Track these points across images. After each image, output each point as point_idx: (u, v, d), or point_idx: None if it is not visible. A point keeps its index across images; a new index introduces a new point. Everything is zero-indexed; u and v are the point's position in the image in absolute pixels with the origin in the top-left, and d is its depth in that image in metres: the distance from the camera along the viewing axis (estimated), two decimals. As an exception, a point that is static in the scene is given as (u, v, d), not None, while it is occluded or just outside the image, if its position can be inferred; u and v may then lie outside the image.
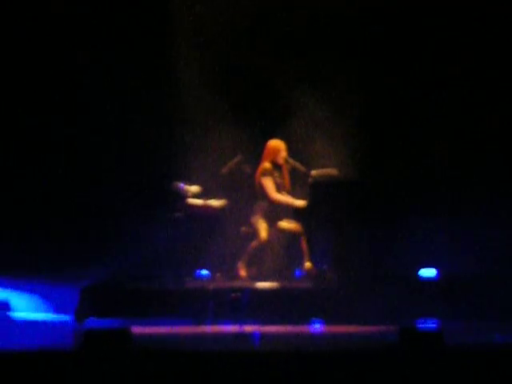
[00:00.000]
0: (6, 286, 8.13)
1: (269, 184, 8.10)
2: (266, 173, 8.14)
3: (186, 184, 8.15)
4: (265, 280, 7.71)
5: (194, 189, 8.19)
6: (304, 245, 8.02)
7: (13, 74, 8.55)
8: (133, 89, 8.58)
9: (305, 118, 8.61)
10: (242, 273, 7.99)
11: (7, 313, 7.98)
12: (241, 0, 8.61)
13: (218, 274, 8.12)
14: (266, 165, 8.17)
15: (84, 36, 8.58)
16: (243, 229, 8.15)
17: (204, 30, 8.70)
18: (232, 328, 6.84)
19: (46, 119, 8.55)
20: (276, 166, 8.22)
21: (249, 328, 6.76)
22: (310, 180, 7.90)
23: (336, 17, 8.69)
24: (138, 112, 8.58)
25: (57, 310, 7.97)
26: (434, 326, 6.99)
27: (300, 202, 7.94)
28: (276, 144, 8.26)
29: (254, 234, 8.07)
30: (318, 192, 7.72)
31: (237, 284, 7.59)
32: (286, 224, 8.11)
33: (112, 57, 8.60)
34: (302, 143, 8.60)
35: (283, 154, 8.22)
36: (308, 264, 7.94)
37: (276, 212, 8.10)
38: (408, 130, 8.66)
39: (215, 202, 8.19)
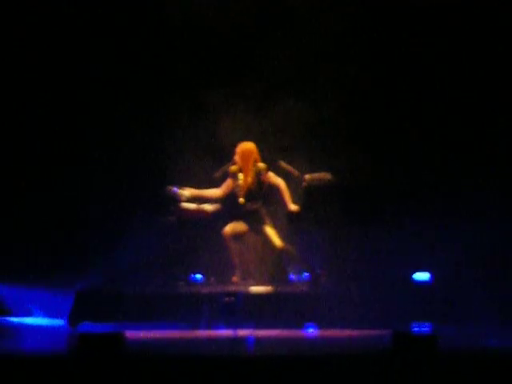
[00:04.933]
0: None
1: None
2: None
3: (179, 188, 8.14)
4: (259, 284, 7.71)
5: (188, 193, 8.18)
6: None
7: (12, 75, 8.56)
8: (125, 91, 8.58)
9: (297, 123, 8.61)
10: (235, 278, 7.97)
11: (1, 317, 7.98)
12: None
13: (212, 279, 8.11)
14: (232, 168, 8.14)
15: (77, 41, 8.59)
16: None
17: (200, 29, 8.72)
18: (226, 332, 6.85)
19: (45, 124, 8.56)
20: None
21: (243, 332, 6.76)
22: (303, 184, 7.90)
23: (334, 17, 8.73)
24: (131, 116, 8.58)
25: (50, 315, 7.97)
26: (428, 330, 6.99)
27: (209, 207, 8.04)
28: (244, 148, 8.17)
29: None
30: (311, 196, 7.73)
31: (231, 288, 7.59)
32: (270, 230, 8.06)
33: (106, 61, 8.61)
34: (295, 147, 8.59)
35: (248, 158, 8.12)
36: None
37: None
38: (401, 132, 8.67)
39: (209, 207, 8.19)
